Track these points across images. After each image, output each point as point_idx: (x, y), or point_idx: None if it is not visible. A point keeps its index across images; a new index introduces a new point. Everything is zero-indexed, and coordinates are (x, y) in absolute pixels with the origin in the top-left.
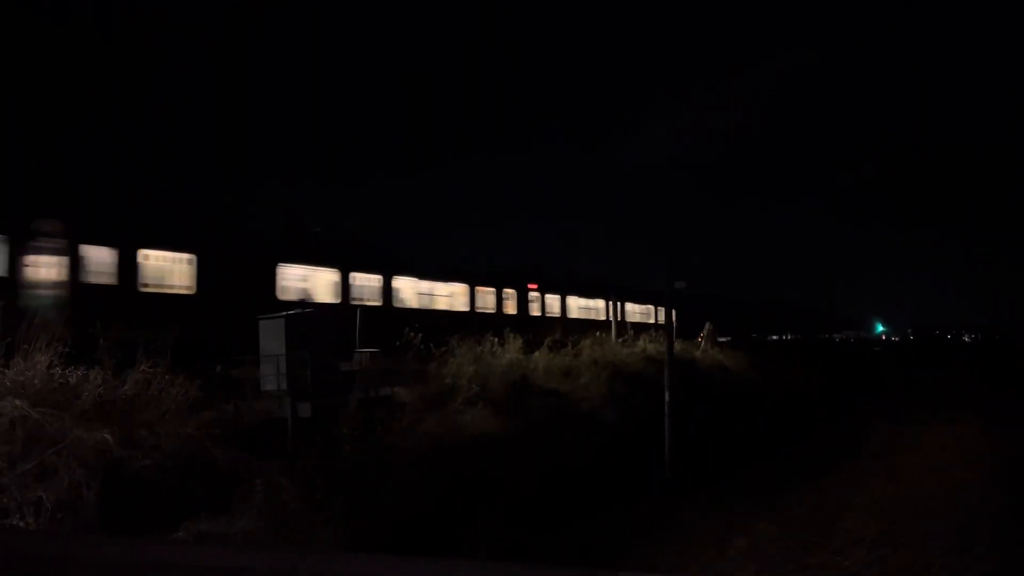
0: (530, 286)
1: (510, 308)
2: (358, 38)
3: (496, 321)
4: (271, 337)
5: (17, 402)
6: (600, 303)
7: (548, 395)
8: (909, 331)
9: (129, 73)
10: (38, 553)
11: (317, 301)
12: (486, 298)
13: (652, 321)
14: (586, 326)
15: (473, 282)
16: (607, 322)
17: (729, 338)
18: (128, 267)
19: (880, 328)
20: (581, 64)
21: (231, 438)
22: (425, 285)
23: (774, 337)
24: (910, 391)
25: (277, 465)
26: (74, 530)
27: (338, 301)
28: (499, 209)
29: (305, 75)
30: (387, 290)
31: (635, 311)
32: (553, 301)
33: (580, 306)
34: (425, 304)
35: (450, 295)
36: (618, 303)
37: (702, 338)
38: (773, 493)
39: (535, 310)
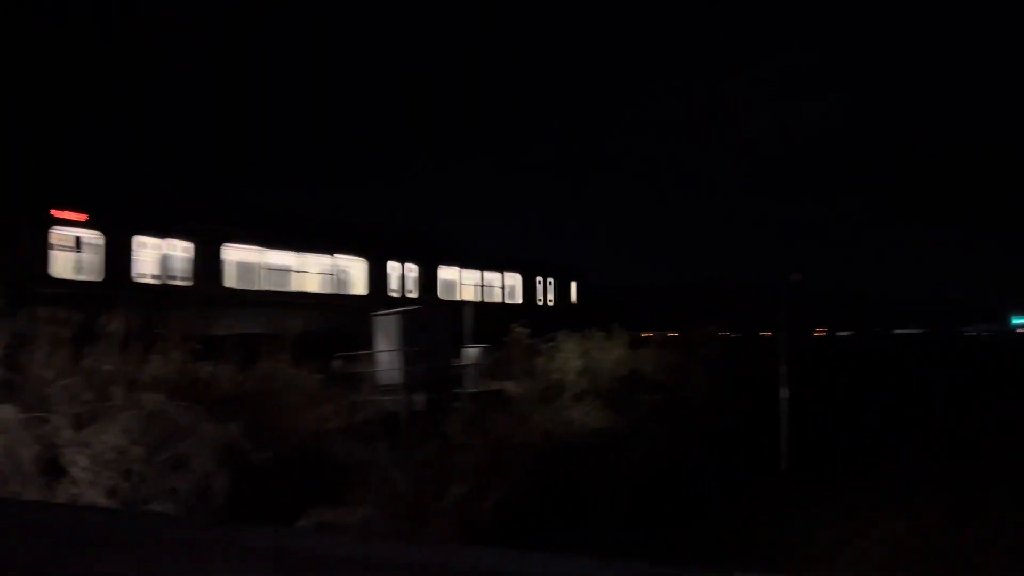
0: (59, 214)
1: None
2: (358, 38)
3: None
4: (386, 334)
5: (155, 396)
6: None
7: (657, 389)
8: None
9: (129, 73)
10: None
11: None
12: None
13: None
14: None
15: None
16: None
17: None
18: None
19: (1016, 320)
20: (581, 64)
21: (348, 431)
22: None
23: (899, 331)
24: None
25: (392, 457)
26: (206, 517)
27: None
28: (500, 209)
29: (305, 74)
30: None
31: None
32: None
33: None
34: None
35: None
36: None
37: (819, 332)
38: (897, 490)
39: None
